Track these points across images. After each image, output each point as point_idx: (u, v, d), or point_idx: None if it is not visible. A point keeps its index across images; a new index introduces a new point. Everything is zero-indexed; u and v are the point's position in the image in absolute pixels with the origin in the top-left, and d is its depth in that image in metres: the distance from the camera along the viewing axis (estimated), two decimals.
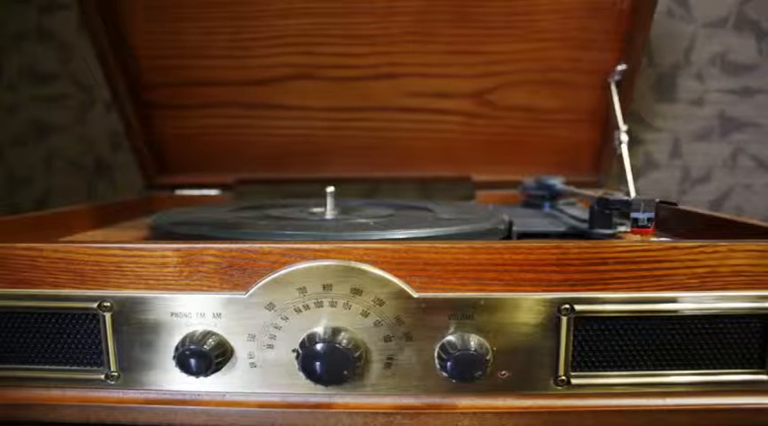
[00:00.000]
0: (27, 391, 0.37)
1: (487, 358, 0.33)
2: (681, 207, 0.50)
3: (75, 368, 0.37)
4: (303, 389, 0.35)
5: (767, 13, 0.82)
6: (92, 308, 0.35)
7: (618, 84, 0.67)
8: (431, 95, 0.74)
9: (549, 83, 0.72)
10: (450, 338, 0.34)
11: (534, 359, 0.35)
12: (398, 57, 0.72)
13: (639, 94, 0.85)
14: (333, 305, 0.34)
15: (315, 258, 0.34)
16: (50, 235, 0.51)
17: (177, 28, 0.71)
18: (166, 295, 0.35)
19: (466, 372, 0.33)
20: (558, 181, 0.64)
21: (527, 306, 0.34)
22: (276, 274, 0.34)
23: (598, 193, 0.47)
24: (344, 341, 0.33)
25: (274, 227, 0.43)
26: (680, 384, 0.35)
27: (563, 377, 0.35)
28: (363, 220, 0.48)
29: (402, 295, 0.34)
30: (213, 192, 0.79)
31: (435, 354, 0.34)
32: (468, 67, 0.72)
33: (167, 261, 0.34)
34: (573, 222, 0.53)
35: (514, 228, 0.48)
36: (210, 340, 0.34)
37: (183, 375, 0.35)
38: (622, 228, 0.46)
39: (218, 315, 0.35)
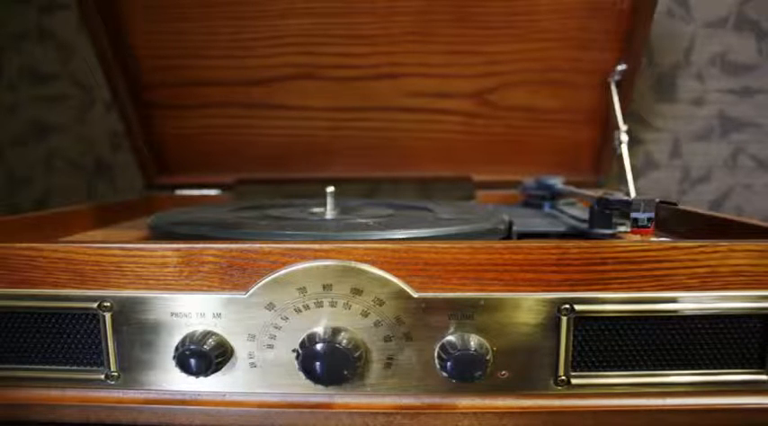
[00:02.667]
0: (27, 391, 0.37)
1: (487, 358, 0.33)
2: (681, 207, 0.50)
3: (75, 368, 0.37)
4: (303, 389, 0.35)
5: (767, 13, 0.82)
6: (92, 308, 0.35)
7: (618, 84, 0.67)
8: (431, 95, 0.74)
9: (549, 83, 0.72)
10: (451, 338, 0.34)
11: (534, 359, 0.35)
12: (399, 57, 0.72)
13: (639, 94, 0.85)
14: (333, 305, 0.34)
15: (315, 258, 0.34)
16: (50, 235, 0.51)
17: (177, 28, 0.71)
18: (166, 295, 0.35)
19: (466, 372, 0.33)
20: (558, 181, 0.64)
21: (527, 306, 0.34)
22: (276, 274, 0.34)
23: (598, 193, 0.47)
24: (344, 341, 0.33)
25: (274, 227, 0.43)
26: (680, 384, 0.35)
27: (563, 377, 0.35)
28: (363, 220, 0.48)
29: (402, 295, 0.34)
30: (213, 192, 0.79)
31: (435, 354, 0.34)
32: (468, 67, 0.72)
33: (167, 261, 0.34)
34: (573, 222, 0.53)
35: (514, 228, 0.48)
36: (210, 340, 0.34)
37: (183, 375, 0.35)
38: (622, 228, 0.46)
39: (218, 315, 0.35)
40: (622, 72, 0.66)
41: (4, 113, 0.92)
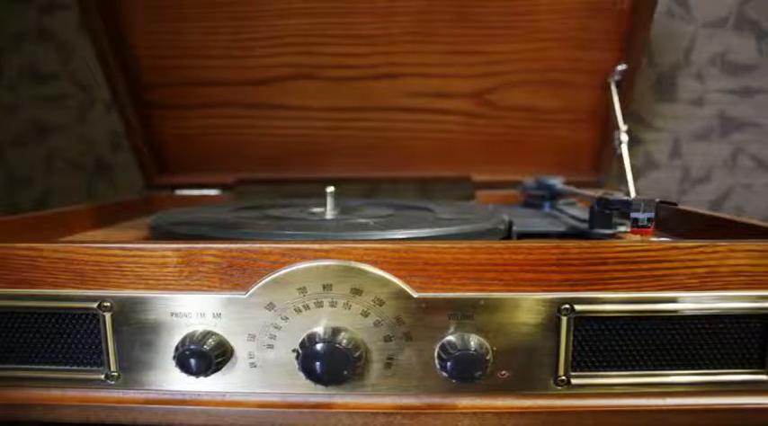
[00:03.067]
0: (27, 391, 0.37)
1: (487, 358, 0.33)
2: (681, 207, 0.50)
3: (75, 368, 0.37)
4: (303, 389, 0.35)
5: (767, 13, 0.82)
6: (92, 308, 0.35)
7: (618, 84, 0.67)
8: (431, 95, 0.74)
9: (549, 83, 0.72)
10: (451, 338, 0.34)
11: (534, 359, 0.35)
12: (398, 57, 0.72)
13: (639, 94, 0.85)
14: (333, 305, 0.34)
15: (315, 258, 0.34)
16: (50, 235, 0.51)
17: (177, 28, 0.71)
18: (166, 295, 0.35)
19: (466, 372, 0.33)
20: (558, 181, 0.64)
21: (527, 306, 0.34)
22: (276, 274, 0.34)
23: (598, 193, 0.47)
24: (344, 341, 0.33)
25: (274, 227, 0.43)
26: (680, 384, 0.35)
27: (563, 377, 0.35)
28: (363, 220, 0.48)
29: (402, 295, 0.34)
30: (213, 192, 0.79)
31: (435, 354, 0.34)
32: (468, 67, 0.72)
33: (167, 261, 0.34)
34: (573, 222, 0.53)
35: (514, 228, 0.48)
36: (210, 340, 0.34)
37: (183, 375, 0.35)
38: (622, 228, 0.46)
39: (218, 315, 0.35)
40: (622, 72, 0.66)
41: (4, 113, 0.92)
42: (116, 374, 0.36)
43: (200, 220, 0.48)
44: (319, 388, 0.35)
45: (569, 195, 0.63)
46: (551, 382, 0.35)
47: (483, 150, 0.78)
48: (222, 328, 0.35)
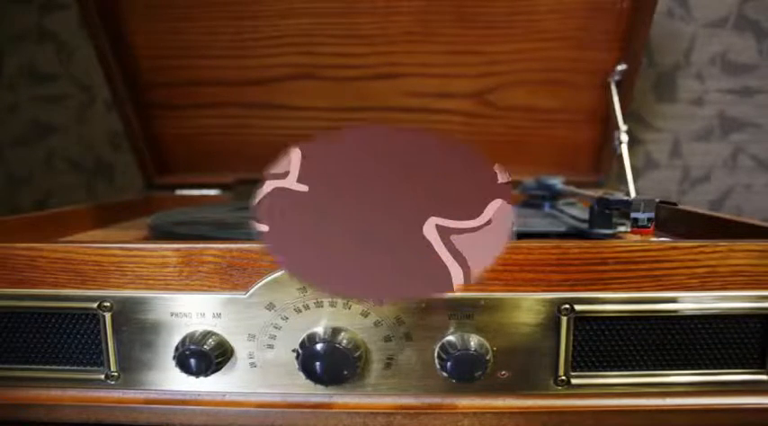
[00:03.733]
0: (27, 391, 0.37)
1: (487, 358, 0.33)
2: (681, 207, 0.50)
3: (75, 368, 0.37)
4: (303, 389, 0.35)
5: (767, 13, 0.82)
6: (92, 308, 0.35)
7: (618, 84, 0.67)
8: (431, 95, 0.74)
9: (549, 83, 0.72)
10: (450, 338, 0.34)
11: (534, 359, 0.35)
12: (399, 56, 0.72)
13: (639, 94, 0.85)
14: (333, 305, 0.34)
15: None
16: (50, 235, 0.51)
17: (177, 28, 0.71)
18: (166, 295, 0.35)
19: (466, 372, 0.33)
20: (558, 181, 0.64)
21: (527, 306, 0.34)
22: (276, 274, 0.34)
23: (598, 193, 0.47)
24: (344, 341, 0.33)
25: None
26: (680, 384, 0.35)
27: (563, 377, 0.35)
28: None
29: None
30: (213, 192, 0.79)
31: (435, 354, 0.34)
32: (468, 67, 0.72)
33: (167, 261, 0.34)
34: (573, 222, 0.53)
35: (514, 228, 0.48)
36: (210, 340, 0.34)
37: (183, 375, 0.35)
38: (622, 228, 0.46)
39: (218, 315, 0.35)
40: (622, 72, 0.66)
41: (4, 113, 0.92)
42: (116, 374, 0.36)
43: (200, 220, 0.48)
44: (319, 388, 0.35)
45: (569, 195, 0.63)
46: (551, 382, 0.35)
47: (483, 150, 0.77)
48: (222, 328, 0.35)
